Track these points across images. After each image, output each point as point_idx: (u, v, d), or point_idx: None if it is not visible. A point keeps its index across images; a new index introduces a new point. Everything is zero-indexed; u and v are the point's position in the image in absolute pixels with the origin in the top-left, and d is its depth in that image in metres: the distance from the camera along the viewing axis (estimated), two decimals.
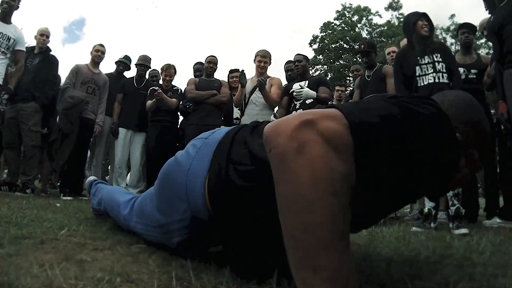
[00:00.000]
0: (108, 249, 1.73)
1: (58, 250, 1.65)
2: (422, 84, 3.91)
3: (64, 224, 2.33)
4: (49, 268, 1.29)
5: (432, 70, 3.88)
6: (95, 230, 2.22)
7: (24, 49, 5.48)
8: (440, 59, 3.88)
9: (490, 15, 4.16)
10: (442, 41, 31.88)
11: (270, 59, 5.77)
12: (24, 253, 1.53)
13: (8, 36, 5.11)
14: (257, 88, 5.40)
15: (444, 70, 3.85)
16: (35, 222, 2.36)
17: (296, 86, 5.06)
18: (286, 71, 6.09)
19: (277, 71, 6.07)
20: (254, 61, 5.77)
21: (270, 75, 5.72)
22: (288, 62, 6.05)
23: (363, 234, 2.80)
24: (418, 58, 3.97)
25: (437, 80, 3.84)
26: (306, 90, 4.97)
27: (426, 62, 3.93)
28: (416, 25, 4.04)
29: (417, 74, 3.95)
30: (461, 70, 4.47)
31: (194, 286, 1.14)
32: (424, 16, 4.09)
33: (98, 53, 6.34)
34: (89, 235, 2.05)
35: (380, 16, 36.85)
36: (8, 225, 2.14)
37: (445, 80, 3.83)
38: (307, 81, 5.22)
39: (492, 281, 1.39)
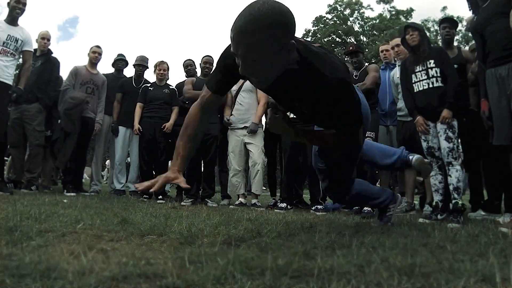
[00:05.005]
0: (124, 240, 1.96)
1: (79, 241, 1.88)
2: (417, 90, 4.17)
3: (78, 219, 2.57)
4: (78, 256, 1.52)
5: (425, 77, 4.11)
6: (107, 224, 2.45)
7: (32, 50, 5.61)
8: (434, 65, 4.08)
9: (473, 15, 4.31)
10: (435, 33, 32.04)
11: None
12: (51, 244, 1.76)
13: (16, 38, 5.25)
14: (242, 89, 5.79)
15: (438, 75, 4.05)
16: (52, 218, 2.59)
17: None
18: None
19: None
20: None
21: None
22: None
23: (351, 225, 3.05)
24: (414, 66, 4.22)
25: (431, 86, 4.07)
26: None
27: (420, 69, 4.16)
28: (405, 39, 4.28)
29: (413, 81, 4.21)
30: None
31: (206, 267, 1.37)
32: (409, 27, 4.29)
33: (95, 55, 6.55)
34: (104, 228, 2.28)
35: (372, 9, 37.04)
36: (30, 220, 2.37)
37: (439, 84, 4.04)
38: None
39: (456, 265, 1.54)
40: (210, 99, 2.20)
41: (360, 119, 2.15)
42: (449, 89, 3.99)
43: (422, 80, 4.12)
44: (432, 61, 4.10)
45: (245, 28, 1.64)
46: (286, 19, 1.69)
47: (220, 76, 2.13)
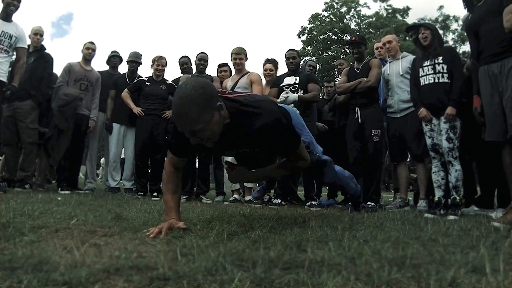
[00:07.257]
0: (117, 235, 1.97)
1: (72, 236, 1.89)
2: (423, 84, 4.31)
3: (72, 215, 2.57)
4: (71, 250, 1.52)
5: (432, 72, 4.25)
6: (101, 220, 2.46)
7: (26, 46, 5.57)
8: (441, 61, 4.22)
9: (468, 13, 4.34)
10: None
11: (246, 55, 6.01)
12: (44, 240, 1.77)
13: (10, 34, 5.21)
14: (237, 85, 5.73)
15: (445, 71, 4.19)
16: (45, 214, 2.59)
17: (281, 97, 5.20)
18: (288, 58, 5.85)
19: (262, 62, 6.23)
20: (231, 59, 6.07)
21: (249, 70, 5.98)
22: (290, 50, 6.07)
23: (345, 219, 3.06)
24: (422, 61, 4.36)
25: (436, 80, 4.21)
26: (289, 97, 5.16)
27: (427, 64, 4.30)
28: (417, 37, 4.39)
29: (420, 75, 4.35)
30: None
31: (197, 259, 1.38)
32: (422, 26, 4.43)
33: (89, 51, 6.49)
34: (97, 223, 2.29)
35: (368, 7, 37.12)
36: (23, 217, 2.36)
37: (445, 80, 4.17)
38: (297, 77, 5.46)
39: (447, 256, 1.56)
40: (177, 161, 2.45)
41: (298, 138, 2.44)
42: (455, 87, 4.12)
43: (429, 74, 4.26)
44: (440, 58, 4.23)
45: (181, 111, 1.97)
46: (206, 90, 2.02)
47: (180, 143, 2.33)
